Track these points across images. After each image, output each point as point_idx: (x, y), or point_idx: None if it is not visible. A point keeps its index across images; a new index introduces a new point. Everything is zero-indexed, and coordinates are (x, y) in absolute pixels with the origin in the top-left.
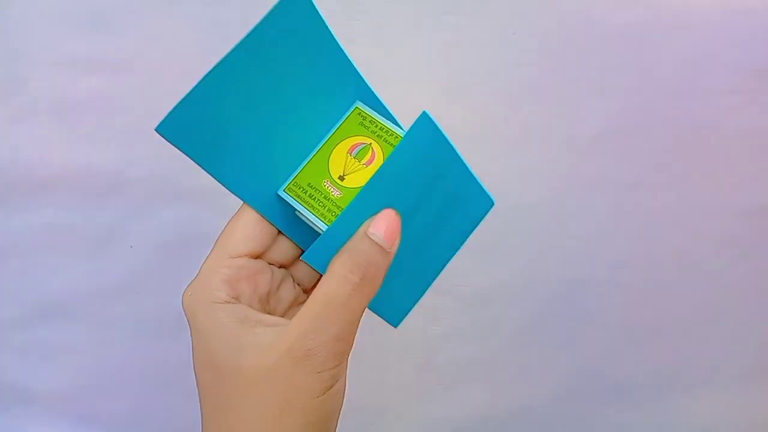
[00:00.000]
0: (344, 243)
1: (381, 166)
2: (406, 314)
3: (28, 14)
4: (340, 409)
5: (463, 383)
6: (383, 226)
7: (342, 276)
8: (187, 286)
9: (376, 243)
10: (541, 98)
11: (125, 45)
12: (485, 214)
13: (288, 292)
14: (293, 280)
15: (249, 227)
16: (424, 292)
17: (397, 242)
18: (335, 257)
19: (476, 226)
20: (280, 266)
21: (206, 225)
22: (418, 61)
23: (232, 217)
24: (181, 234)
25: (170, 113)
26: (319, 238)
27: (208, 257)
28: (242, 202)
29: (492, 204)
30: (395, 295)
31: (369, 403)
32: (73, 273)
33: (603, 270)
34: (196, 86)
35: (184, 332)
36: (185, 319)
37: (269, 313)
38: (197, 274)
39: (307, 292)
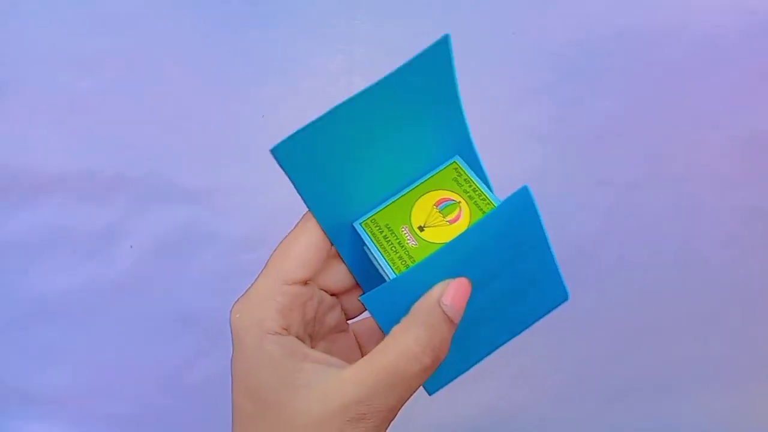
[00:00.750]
0: (407, 295)
1: (465, 231)
2: (444, 385)
3: (29, 14)
4: None
5: (463, 383)
6: (455, 296)
7: (415, 355)
8: (236, 303)
9: (448, 316)
10: (541, 98)
11: (125, 45)
12: (556, 307)
13: (333, 318)
14: (341, 307)
15: (307, 253)
16: (469, 368)
17: (461, 314)
18: (407, 325)
19: (542, 317)
20: (331, 293)
21: (206, 225)
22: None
23: (288, 238)
24: (181, 234)
25: (288, 138)
26: (383, 285)
27: (261, 277)
28: (298, 221)
29: (566, 299)
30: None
31: None
32: (73, 273)
33: (603, 270)
34: (318, 118)
35: (184, 332)
36: (183, 319)
37: (310, 335)
38: (248, 293)
39: (350, 318)
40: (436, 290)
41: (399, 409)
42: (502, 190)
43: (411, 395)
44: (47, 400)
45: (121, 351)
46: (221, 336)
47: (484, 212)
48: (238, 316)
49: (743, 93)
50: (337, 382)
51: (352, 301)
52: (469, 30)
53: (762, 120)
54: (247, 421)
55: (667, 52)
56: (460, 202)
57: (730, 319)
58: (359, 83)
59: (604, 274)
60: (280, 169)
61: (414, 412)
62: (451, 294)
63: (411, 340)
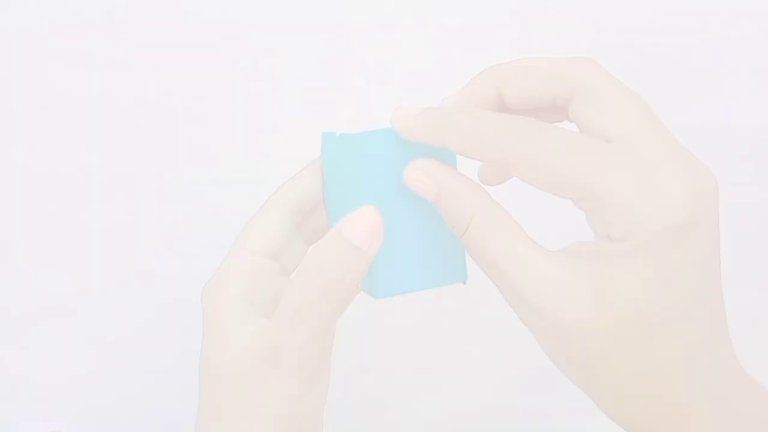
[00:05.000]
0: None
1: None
2: (397, 292)
3: (28, 14)
4: (322, 414)
5: (463, 383)
6: (359, 224)
7: (308, 280)
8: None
9: (351, 243)
10: None
11: (125, 45)
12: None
13: None
14: None
15: (268, 226)
16: (421, 283)
17: (377, 241)
18: (306, 255)
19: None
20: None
21: (206, 225)
22: (418, 61)
23: (254, 216)
24: (181, 234)
25: (342, 136)
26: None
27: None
28: (264, 202)
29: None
30: (395, 269)
31: (368, 402)
32: (73, 273)
33: None
34: (373, 131)
35: (183, 332)
36: (183, 318)
37: None
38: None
39: None
40: (339, 224)
41: (320, 345)
42: (503, 190)
43: (326, 325)
44: (47, 399)
45: (121, 350)
46: None
47: None
48: (205, 287)
49: (743, 93)
50: (258, 332)
51: None
52: (470, 30)
53: (762, 119)
54: (201, 389)
55: (667, 52)
56: None
57: (730, 319)
58: (359, 83)
59: None
60: (280, 169)
61: (410, 411)
62: (352, 224)
63: (303, 265)
